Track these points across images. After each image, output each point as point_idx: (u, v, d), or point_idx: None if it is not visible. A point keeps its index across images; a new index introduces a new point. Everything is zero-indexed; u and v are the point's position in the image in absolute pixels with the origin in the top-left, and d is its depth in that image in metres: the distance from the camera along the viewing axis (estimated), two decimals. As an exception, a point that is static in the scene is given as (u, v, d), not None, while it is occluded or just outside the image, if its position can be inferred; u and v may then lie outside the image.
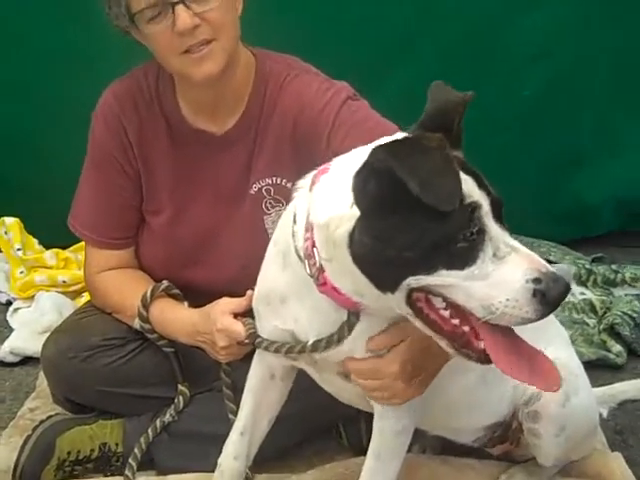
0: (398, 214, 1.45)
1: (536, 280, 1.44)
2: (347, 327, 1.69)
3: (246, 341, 1.92)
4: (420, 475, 2.21)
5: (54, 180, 3.32)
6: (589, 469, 2.25)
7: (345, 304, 1.65)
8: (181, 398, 2.34)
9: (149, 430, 2.30)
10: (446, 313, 1.54)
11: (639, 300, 3.29)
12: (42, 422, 2.34)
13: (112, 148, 2.26)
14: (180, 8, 1.97)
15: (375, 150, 1.48)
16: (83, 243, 2.47)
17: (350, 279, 1.57)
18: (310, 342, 1.74)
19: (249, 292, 1.95)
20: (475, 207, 1.46)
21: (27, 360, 3.00)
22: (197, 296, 2.21)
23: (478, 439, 2.12)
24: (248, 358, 2.02)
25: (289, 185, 2.12)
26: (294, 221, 1.67)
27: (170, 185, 2.28)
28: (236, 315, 1.99)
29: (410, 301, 1.53)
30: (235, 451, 2.02)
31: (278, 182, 2.21)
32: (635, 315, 3.16)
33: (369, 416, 1.92)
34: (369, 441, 1.90)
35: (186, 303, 2.24)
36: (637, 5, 3.47)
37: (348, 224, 1.51)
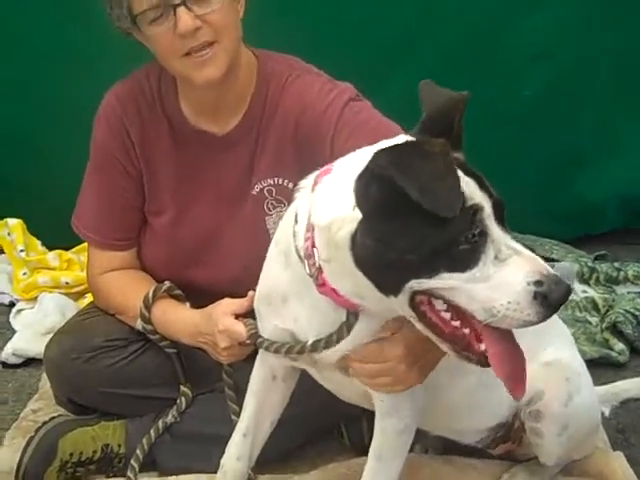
0: (400, 217, 1.45)
1: (538, 283, 1.44)
2: (346, 327, 1.69)
3: (247, 342, 1.93)
4: (422, 475, 2.21)
5: (57, 181, 3.33)
6: (591, 468, 2.25)
7: (344, 304, 1.65)
8: (183, 399, 2.34)
9: (151, 431, 2.30)
10: (447, 315, 1.55)
11: (642, 298, 3.29)
12: (45, 423, 2.34)
13: (114, 149, 2.27)
14: (182, 10, 1.97)
15: (376, 155, 1.48)
16: (86, 244, 2.47)
17: (351, 281, 1.57)
18: (309, 342, 1.75)
19: (250, 293, 1.95)
20: (477, 209, 1.46)
21: (30, 361, 3.00)
22: (199, 296, 2.21)
23: (481, 440, 2.13)
24: (250, 359, 2.03)
25: (291, 186, 2.12)
26: (295, 221, 1.68)
27: (172, 186, 2.29)
28: (237, 316, 1.99)
29: (413, 304, 1.53)
30: (238, 452, 2.02)
31: (280, 183, 2.21)
32: (638, 313, 3.15)
33: (371, 416, 1.92)
34: (371, 441, 1.90)
35: (188, 304, 2.24)
36: (637, 6, 3.46)
37: (350, 226, 1.51)
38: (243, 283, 1.96)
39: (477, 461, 2.25)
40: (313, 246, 1.61)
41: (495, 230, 1.48)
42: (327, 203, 1.58)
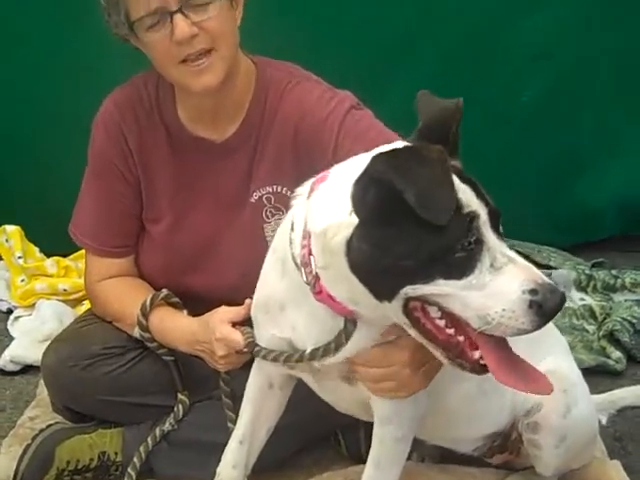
0: (397, 223, 1.46)
1: (533, 291, 1.45)
2: (344, 335, 1.69)
3: (245, 350, 1.93)
4: (419, 483, 2.22)
5: (55, 188, 3.33)
6: (588, 477, 2.24)
7: (341, 312, 1.65)
8: (181, 407, 2.33)
9: (148, 439, 2.30)
10: (441, 322, 1.55)
11: (639, 306, 3.28)
12: (42, 431, 2.34)
13: (113, 156, 2.27)
14: (178, 17, 1.98)
15: (375, 160, 1.48)
16: (83, 251, 2.47)
17: (346, 287, 1.58)
18: (308, 350, 1.75)
19: (248, 301, 1.95)
20: (473, 217, 1.47)
21: (27, 369, 3.00)
22: (197, 304, 2.21)
23: (477, 448, 2.12)
24: (247, 367, 2.03)
25: (289, 193, 2.10)
26: (292, 228, 1.68)
27: (170, 193, 2.29)
28: (235, 324, 1.99)
29: (407, 310, 1.54)
30: (234, 460, 2.02)
31: (279, 190, 2.21)
32: (635, 321, 3.15)
33: (368, 424, 1.93)
34: (368, 449, 1.90)
35: (185, 311, 2.24)
36: (637, 7, 3.46)
37: (346, 231, 1.52)
38: (241, 290, 1.96)
39: (474, 469, 2.24)
40: (310, 254, 1.61)
41: (491, 238, 1.48)
42: (323, 210, 1.58)
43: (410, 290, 1.48)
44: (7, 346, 3.09)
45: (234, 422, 2.10)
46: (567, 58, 3.48)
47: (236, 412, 2.09)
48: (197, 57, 2.02)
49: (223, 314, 2.03)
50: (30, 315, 3.28)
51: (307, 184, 1.70)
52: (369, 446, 1.90)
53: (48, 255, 3.51)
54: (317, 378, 1.87)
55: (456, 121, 1.60)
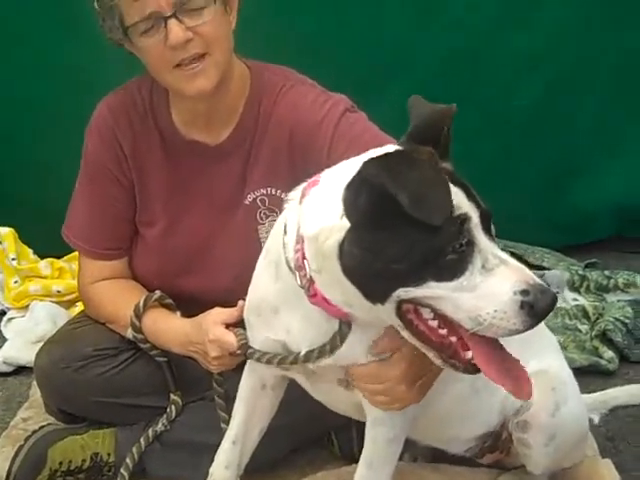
0: (388, 226, 1.46)
1: (524, 292, 1.46)
2: (339, 337, 1.70)
3: (238, 352, 1.93)
4: (411, 483, 2.23)
5: (49, 190, 3.32)
6: (580, 476, 2.25)
7: (336, 314, 1.66)
8: (173, 407, 2.34)
9: (141, 440, 2.30)
10: (434, 323, 1.56)
11: (631, 306, 3.29)
12: (34, 432, 2.35)
13: (106, 160, 2.27)
14: (172, 22, 1.98)
15: (367, 163, 1.49)
16: (77, 253, 2.47)
17: (340, 290, 1.58)
18: (302, 353, 1.75)
19: (240, 302, 1.96)
20: (464, 219, 1.48)
21: (20, 370, 3.00)
22: (191, 306, 2.21)
23: (469, 449, 2.13)
24: (240, 368, 2.03)
25: (284, 196, 2.11)
26: (285, 232, 1.69)
27: (164, 196, 2.29)
28: (228, 325, 1.99)
29: (400, 312, 1.54)
30: (227, 460, 2.03)
31: (273, 193, 2.21)
32: (627, 321, 3.16)
33: (360, 424, 1.94)
34: (361, 449, 1.91)
35: (179, 313, 2.25)
36: (636, 10, 3.47)
37: (338, 235, 1.52)
38: (235, 292, 1.96)
39: (465, 469, 2.25)
40: (304, 257, 1.62)
41: (482, 240, 1.49)
42: (315, 214, 1.59)
43: (402, 293, 1.49)
44: (0, 347, 3.09)
45: (227, 423, 2.10)
46: (564, 61, 3.48)
47: (229, 413, 2.09)
48: (191, 61, 2.02)
49: (216, 315, 2.03)
50: (23, 316, 3.28)
51: (299, 189, 1.70)
52: (362, 446, 1.91)
53: (42, 257, 3.51)
54: (312, 380, 1.87)
55: (447, 123, 1.60)
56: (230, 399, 2.10)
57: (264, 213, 2.23)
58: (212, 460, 2.05)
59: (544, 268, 3.57)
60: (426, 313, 1.54)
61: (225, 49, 2.08)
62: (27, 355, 2.90)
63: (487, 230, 1.51)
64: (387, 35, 3.37)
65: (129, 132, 2.24)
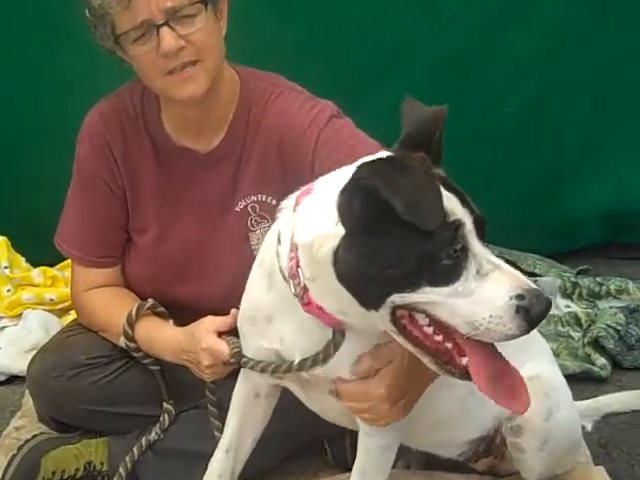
0: (383, 232, 1.47)
1: (519, 297, 1.46)
2: (333, 345, 1.70)
3: (231, 360, 1.93)
4: (405, 490, 2.22)
5: (41, 198, 3.32)
6: (573, 483, 2.26)
7: (330, 323, 1.66)
8: (166, 416, 2.33)
9: (134, 448, 2.29)
10: (429, 329, 1.56)
11: (623, 313, 3.29)
12: (27, 441, 2.33)
13: (98, 167, 2.27)
14: (165, 30, 1.98)
15: (360, 169, 1.50)
16: (70, 261, 2.47)
17: (334, 298, 1.58)
18: (296, 361, 1.75)
19: (234, 310, 1.96)
20: (458, 225, 1.48)
21: (13, 379, 2.98)
22: (184, 314, 2.21)
23: (463, 453, 2.13)
24: (234, 376, 2.03)
25: (274, 202, 2.13)
26: (278, 241, 1.69)
27: (156, 203, 2.29)
28: (221, 334, 1.99)
29: (394, 318, 1.55)
30: (220, 469, 2.02)
31: (263, 199, 2.22)
32: (619, 328, 3.16)
33: (354, 432, 1.93)
34: (354, 457, 1.91)
35: (171, 321, 2.24)
36: (621, 23, 3.49)
37: (332, 242, 1.53)
38: (228, 300, 1.96)
39: (459, 476, 2.25)
40: (298, 266, 1.62)
41: (476, 245, 1.50)
42: (309, 221, 1.59)
43: (397, 298, 1.49)
44: (-7, 356, 3.08)
45: (220, 431, 2.09)
46: (553, 69, 3.49)
47: (222, 421, 2.09)
48: (182, 67, 2.03)
49: (209, 324, 2.03)
50: (16, 325, 3.26)
51: (292, 197, 1.70)
52: (355, 454, 1.90)
53: (35, 265, 3.49)
54: (305, 389, 1.87)
55: (439, 129, 1.61)
56: (223, 407, 2.10)
57: (255, 220, 2.23)
58: (205, 469, 2.04)
59: (536, 275, 3.58)
60: (421, 319, 1.55)
61: (216, 56, 2.09)
62: (20, 364, 2.89)
63: (481, 236, 1.52)
64: (379, 38, 3.38)
65: (120, 138, 2.25)
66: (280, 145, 2.16)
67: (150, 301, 2.24)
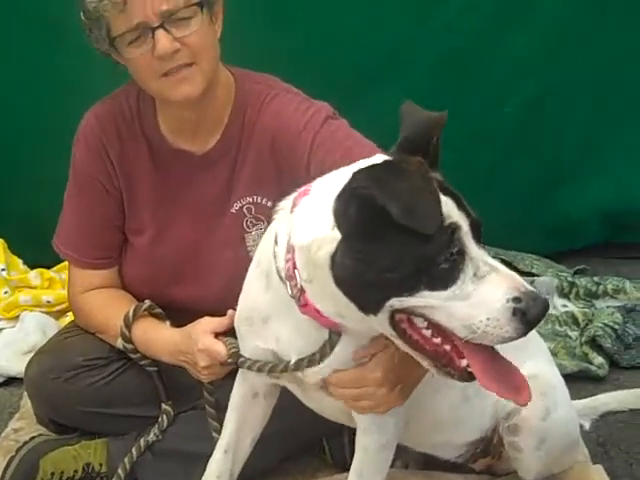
0: (379, 237, 1.47)
1: (516, 299, 1.46)
2: (329, 346, 1.70)
3: (229, 361, 1.93)
4: (403, 490, 2.23)
5: (39, 200, 3.32)
6: (571, 481, 2.26)
7: (326, 324, 1.66)
8: (165, 417, 2.33)
9: (133, 450, 2.29)
10: (428, 332, 1.56)
11: (621, 312, 3.30)
12: (25, 443, 2.34)
13: (94, 170, 2.27)
14: (160, 33, 1.98)
15: (356, 175, 1.50)
16: (67, 262, 2.47)
17: (331, 301, 1.59)
18: (293, 361, 1.75)
19: (230, 311, 1.96)
20: (455, 228, 1.48)
21: (11, 381, 2.98)
22: (181, 315, 2.21)
23: (461, 455, 2.14)
24: (231, 377, 2.03)
25: (270, 204, 2.14)
26: (275, 242, 1.69)
27: (152, 205, 2.29)
28: (217, 334, 1.99)
29: (393, 322, 1.55)
30: (218, 469, 2.02)
31: (259, 201, 2.22)
32: (617, 327, 3.17)
33: (352, 432, 1.94)
34: (352, 455, 1.91)
35: (168, 322, 2.24)
36: (621, 23, 3.50)
37: (330, 246, 1.53)
38: (224, 301, 1.97)
39: (457, 476, 2.25)
40: (294, 267, 1.62)
41: (473, 248, 1.50)
42: (306, 224, 1.59)
43: (396, 302, 1.50)
44: (-10, 358, 3.08)
45: (218, 432, 2.09)
46: (552, 69, 3.50)
47: (220, 422, 2.09)
48: (177, 70, 2.03)
49: (205, 325, 2.03)
50: (14, 327, 3.26)
51: (289, 198, 1.70)
52: (353, 454, 1.90)
53: (32, 267, 3.49)
54: (303, 388, 1.87)
55: (437, 133, 1.61)
56: (221, 408, 2.10)
57: (251, 222, 2.23)
58: (204, 470, 2.04)
59: (533, 275, 3.58)
60: (419, 322, 1.55)
61: (212, 58, 2.09)
62: (17, 366, 2.89)
63: (477, 239, 1.52)
64: (378, 38, 3.38)
65: (116, 140, 2.25)
66: (275, 147, 2.16)
67: (147, 302, 2.24)
